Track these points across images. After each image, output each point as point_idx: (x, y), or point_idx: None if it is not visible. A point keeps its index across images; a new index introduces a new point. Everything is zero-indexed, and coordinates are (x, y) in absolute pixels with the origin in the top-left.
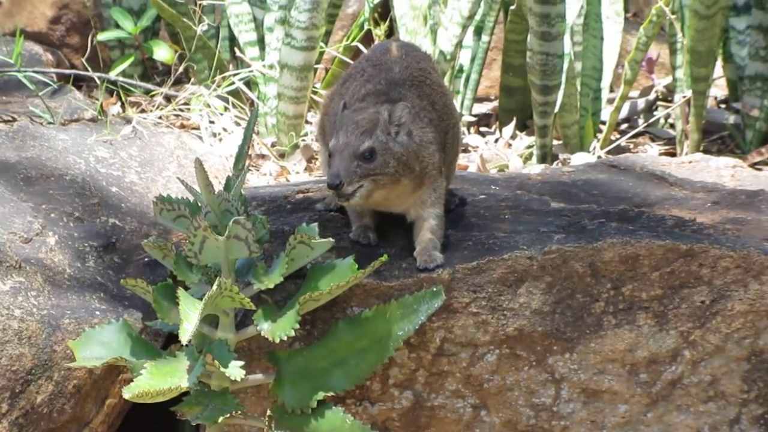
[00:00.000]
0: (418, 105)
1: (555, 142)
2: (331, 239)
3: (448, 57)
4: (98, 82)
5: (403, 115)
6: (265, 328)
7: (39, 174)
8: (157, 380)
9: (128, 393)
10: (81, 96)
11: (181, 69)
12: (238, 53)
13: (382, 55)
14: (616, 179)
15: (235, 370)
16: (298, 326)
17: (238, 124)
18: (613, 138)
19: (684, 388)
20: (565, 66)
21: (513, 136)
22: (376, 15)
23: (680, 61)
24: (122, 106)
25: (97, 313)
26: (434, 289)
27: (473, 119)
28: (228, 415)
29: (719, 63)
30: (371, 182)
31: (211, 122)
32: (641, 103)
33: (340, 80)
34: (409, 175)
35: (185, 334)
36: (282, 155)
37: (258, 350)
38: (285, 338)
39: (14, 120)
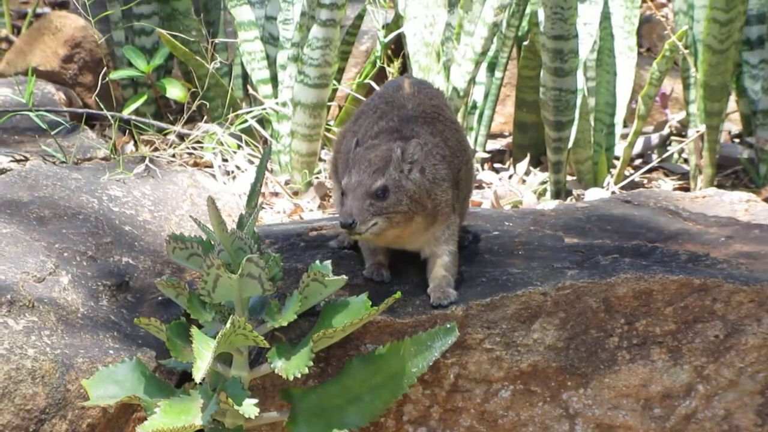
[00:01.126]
0: (431, 142)
1: (569, 178)
2: (344, 277)
3: (462, 93)
4: (111, 120)
5: (415, 152)
6: (279, 365)
7: (52, 213)
8: (171, 418)
9: (143, 431)
10: (94, 135)
11: (194, 107)
12: (251, 91)
13: (394, 92)
14: (629, 214)
15: (249, 407)
16: (312, 363)
17: (251, 162)
18: (627, 173)
19: (698, 423)
20: (579, 101)
21: (527, 172)
22: (389, 52)
23: (694, 95)
24: (135, 144)
25: (111, 351)
26: (448, 326)
27: (487, 155)
28: None
29: (733, 97)
30: (384, 220)
31: (225, 160)
32: (655, 138)
33: (353, 117)
34: (422, 213)
35: (199, 372)
36: (295, 193)
37: (272, 388)
38: (299, 375)
39: (27, 159)
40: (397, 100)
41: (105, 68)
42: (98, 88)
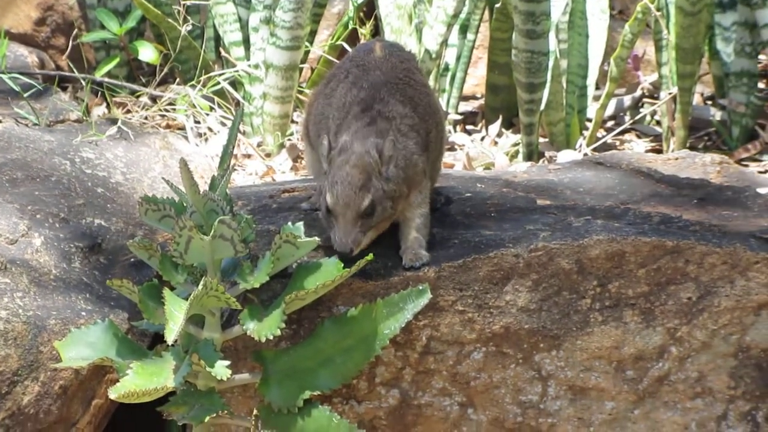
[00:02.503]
0: (400, 113)
1: (541, 140)
2: (316, 238)
3: (434, 56)
4: (83, 83)
5: (389, 149)
6: (251, 327)
7: (24, 175)
8: (143, 380)
9: (114, 393)
10: (66, 97)
11: (166, 69)
12: (223, 53)
13: (366, 55)
14: (602, 176)
15: (221, 369)
16: (284, 325)
17: (223, 125)
18: (599, 135)
19: (671, 385)
20: (551, 64)
21: (499, 134)
22: (361, 14)
23: (666, 57)
24: (108, 107)
25: (83, 313)
26: (420, 288)
27: (459, 117)
28: (214, 414)
29: (705, 59)
30: (374, 231)
31: (197, 122)
32: (627, 100)
33: (325, 80)
34: (402, 200)
35: (171, 334)
36: (268, 155)
37: (244, 350)
38: (271, 337)
39: None
40: (368, 63)
41: (77, 31)
42: (70, 50)
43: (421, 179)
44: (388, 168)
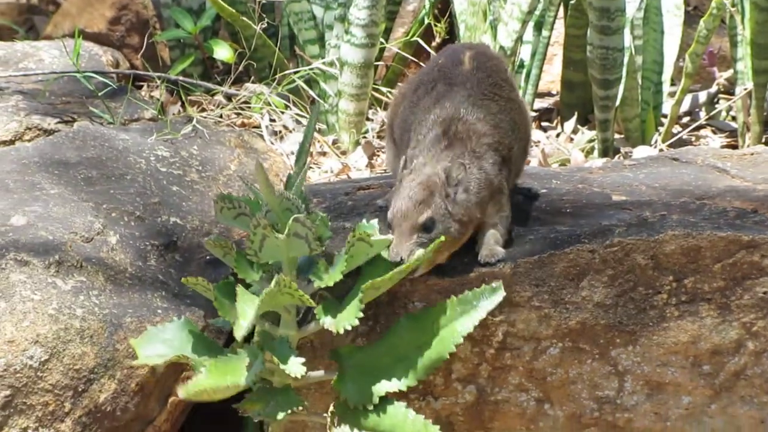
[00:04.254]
0: (479, 132)
1: (616, 136)
2: (390, 236)
3: (509, 52)
4: (158, 82)
5: (459, 173)
6: (328, 321)
7: (99, 174)
8: (215, 378)
9: (184, 392)
10: (141, 96)
11: (241, 68)
12: (298, 51)
13: (453, 67)
14: (677, 172)
15: (295, 366)
16: (361, 315)
17: (298, 123)
18: (674, 131)
19: (747, 379)
20: (626, 60)
21: (574, 131)
22: (435, 11)
23: (741, 53)
24: (182, 105)
25: (159, 311)
26: (494, 286)
27: (534, 114)
28: (290, 411)
29: None
30: (445, 249)
31: (272, 120)
32: (702, 96)
33: (412, 85)
34: (473, 224)
35: (240, 330)
36: (343, 153)
37: (320, 347)
38: (349, 328)
39: (74, 120)
40: (455, 78)
41: (152, 30)
42: (145, 49)
43: (498, 194)
44: (456, 191)
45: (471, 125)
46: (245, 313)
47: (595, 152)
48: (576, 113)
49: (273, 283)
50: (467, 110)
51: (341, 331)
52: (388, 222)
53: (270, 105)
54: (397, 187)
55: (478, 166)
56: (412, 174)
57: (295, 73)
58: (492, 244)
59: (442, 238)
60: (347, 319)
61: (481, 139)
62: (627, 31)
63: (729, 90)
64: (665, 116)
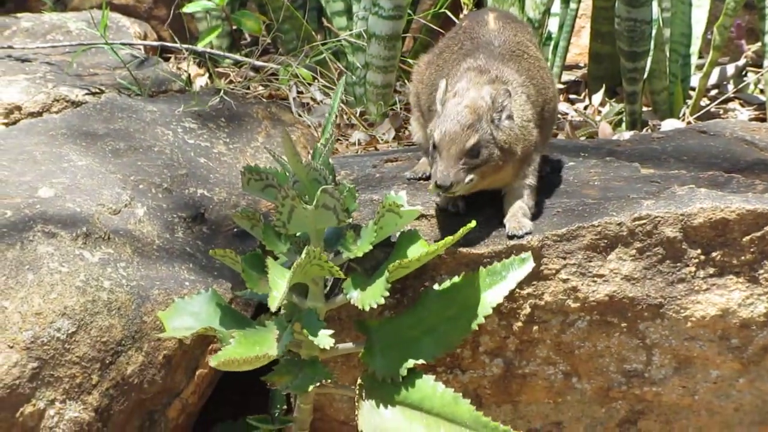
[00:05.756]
0: (517, 81)
1: (644, 109)
2: (419, 207)
3: (536, 24)
4: (185, 53)
5: (505, 99)
6: (355, 296)
7: (127, 146)
8: (245, 349)
9: (215, 361)
10: (168, 68)
11: (268, 40)
12: (325, 23)
13: (479, 27)
14: (705, 145)
15: (324, 338)
16: (387, 294)
17: (326, 94)
18: (702, 104)
19: None
20: (654, 32)
21: (602, 103)
22: None
23: None
24: (210, 77)
25: (187, 283)
26: (523, 257)
27: (562, 87)
28: (318, 383)
29: None
30: (478, 175)
31: (300, 92)
32: (731, 69)
33: (436, 50)
34: (512, 159)
35: (274, 302)
36: (371, 125)
37: (348, 319)
38: (375, 306)
39: (102, 92)
40: (482, 36)
41: (179, 1)
42: (172, 20)
43: (531, 151)
44: (500, 116)
45: (508, 74)
46: (277, 284)
47: (623, 125)
48: (604, 86)
49: (303, 254)
50: (498, 62)
51: (367, 309)
52: (433, 145)
53: (297, 77)
54: (439, 112)
55: (519, 104)
56: (457, 97)
57: (323, 44)
58: (520, 216)
59: (472, 223)
60: (373, 297)
61: (518, 88)
62: (655, 3)
63: (757, 63)
64: (693, 89)
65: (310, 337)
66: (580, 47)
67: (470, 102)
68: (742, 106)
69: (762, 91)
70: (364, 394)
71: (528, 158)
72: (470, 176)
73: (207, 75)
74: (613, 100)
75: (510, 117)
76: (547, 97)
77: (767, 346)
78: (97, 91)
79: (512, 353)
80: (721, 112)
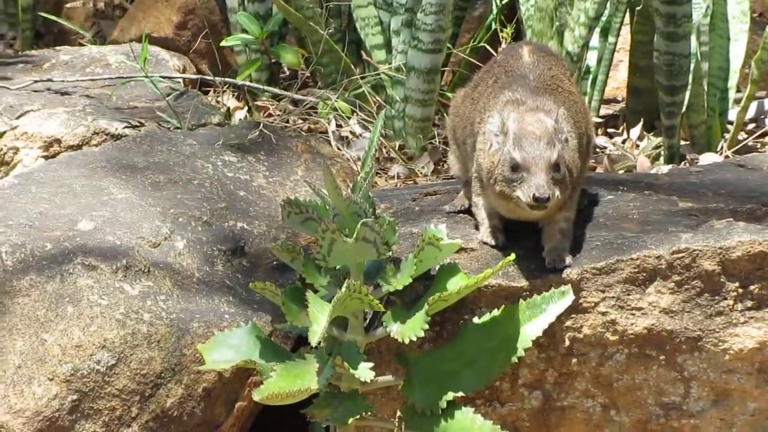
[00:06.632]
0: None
1: (682, 143)
2: (459, 240)
3: (575, 58)
4: (225, 87)
5: (565, 122)
6: (395, 329)
7: (167, 179)
8: (286, 382)
9: (258, 395)
10: (207, 101)
11: (307, 73)
12: (364, 56)
13: (514, 60)
14: (743, 178)
15: (364, 371)
16: (427, 327)
17: (365, 128)
18: (740, 138)
19: None
20: (692, 66)
21: (640, 137)
22: (502, 17)
23: None
24: (249, 110)
25: (226, 316)
26: (563, 290)
27: (600, 120)
28: (358, 416)
29: None
30: (561, 191)
31: (339, 126)
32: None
33: (472, 84)
34: (570, 185)
35: (315, 336)
36: (410, 158)
37: (387, 352)
38: (414, 339)
39: (142, 125)
40: (516, 69)
41: (219, 35)
42: (211, 54)
43: (576, 180)
44: (565, 139)
45: (549, 105)
46: (318, 318)
47: (661, 158)
48: (642, 119)
49: (344, 288)
50: (535, 95)
51: (407, 341)
52: (514, 166)
53: (336, 110)
54: (504, 140)
55: (567, 131)
56: (519, 123)
57: (362, 78)
58: (559, 249)
59: (511, 256)
60: (413, 329)
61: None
62: (693, 37)
63: None
64: (731, 123)
65: (351, 370)
66: (618, 81)
67: (538, 123)
68: None
69: None
70: (403, 426)
71: (569, 188)
72: (557, 191)
73: (246, 108)
74: (651, 133)
75: (567, 140)
76: (581, 131)
77: None
78: (137, 124)
79: (551, 386)
80: (759, 146)
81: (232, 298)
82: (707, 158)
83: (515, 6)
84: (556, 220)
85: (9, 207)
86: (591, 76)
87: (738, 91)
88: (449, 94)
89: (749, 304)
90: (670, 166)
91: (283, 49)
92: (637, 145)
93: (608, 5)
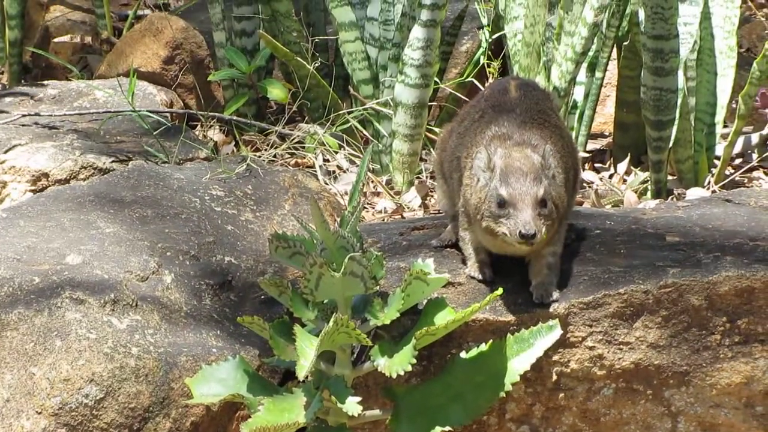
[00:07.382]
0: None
1: (669, 177)
2: (446, 275)
3: (562, 93)
4: (212, 121)
5: (551, 158)
6: (382, 363)
7: (154, 213)
8: (274, 416)
9: (246, 429)
10: (195, 135)
11: (294, 108)
12: (351, 91)
13: (500, 95)
14: (731, 213)
15: (352, 405)
16: (414, 361)
17: (352, 162)
18: (727, 173)
19: None
20: (679, 101)
21: (627, 172)
22: (489, 52)
23: None
24: (236, 145)
25: (214, 350)
26: (550, 324)
27: (587, 155)
28: None
29: None
30: (546, 228)
31: (326, 160)
32: (755, 138)
33: (458, 118)
34: (557, 220)
35: (302, 371)
36: (397, 193)
37: (375, 386)
38: (402, 373)
39: (129, 159)
40: (503, 104)
41: (206, 70)
42: (198, 89)
43: (562, 215)
44: (552, 175)
45: (535, 140)
46: (305, 352)
47: (648, 193)
48: (629, 154)
49: (331, 322)
50: (522, 129)
51: (394, 375)
52: (500, 202)
53: (324, 145)
54: (489, 177)
55: (554, 166)
56: (506, 159)
57: (349, 113)
58: (546, 284)
59: (499, 291)
60: (400, 363)
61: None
62: (680, 72)
63: None
64: (718, 158)
65: (339, 404)
66: (605, 116)
67: (524, 159)
68: (767, 174)
69: None
70: None
71: (556, 222)
72: (543, 227)
73: (233, 143)
74: (639, 168)
75: (554, 177)
76: (568, 166)
77: None
78: (125, 158)
79: (538, 420)
80: (746, 180)
81: (219, 332)
82: (694, 193)
83: (502, 41)
84: (544, 255)
85: None
86: (578, 111)
87: (725, 126)
88: (436, 129)
89: (736, 339)
90: (657, 201)
91: (270, 83)
92: (625, 180)
93: (595, 40)
